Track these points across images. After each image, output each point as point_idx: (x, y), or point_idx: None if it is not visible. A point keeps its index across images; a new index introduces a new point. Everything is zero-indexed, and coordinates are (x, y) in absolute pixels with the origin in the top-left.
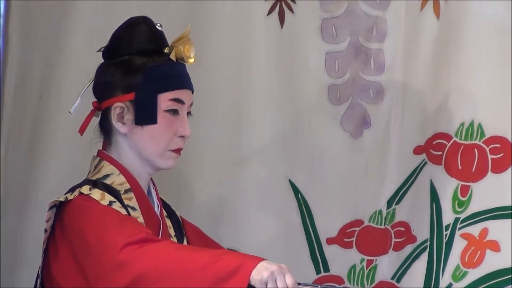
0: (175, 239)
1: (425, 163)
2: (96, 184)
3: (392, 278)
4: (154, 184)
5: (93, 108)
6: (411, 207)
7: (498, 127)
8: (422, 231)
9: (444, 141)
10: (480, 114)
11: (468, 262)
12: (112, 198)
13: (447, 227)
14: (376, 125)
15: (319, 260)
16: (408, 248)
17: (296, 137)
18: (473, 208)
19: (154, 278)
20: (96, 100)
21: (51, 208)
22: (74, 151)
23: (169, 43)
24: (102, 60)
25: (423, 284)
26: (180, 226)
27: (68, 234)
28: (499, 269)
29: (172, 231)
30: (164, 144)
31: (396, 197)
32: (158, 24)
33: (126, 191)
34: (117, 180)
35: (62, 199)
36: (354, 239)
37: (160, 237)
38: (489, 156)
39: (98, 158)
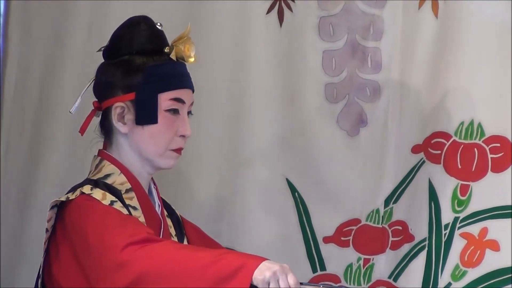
0: (175, 239)
1: (423, 162)
2: (97, 183)
3: (389, 277)
4: (155, 184)
5: (93, 108)
6: (408, 206)
7: (498, 126)
8: (420, 230)
9: (443, 140)
10: (480, 114)
11: (468, 261)
12: (114, 198)
13: (446, 226)
14: (373, 124)
15: (315, 259)
16: (406, 247)
17: (293, 135)
18: (472, 207)
19: (155, 278)
20: (96, 100)
21: (52, 207)
22: (74, 151)
23: (169, 42)
24: (102, 60)
25: (421, 283)
26: (181, 226)
27: (69, 233)
28: (498, 268)
29: (172, 231)
30: (164, 143)
31: (394, 196)
32: (158, 24)
33: (127, 191)
34: (118, 180)
35: (63, 198)
36: (351, 238)
37: (161, 236)
38: (489, 156)
39: (99, 158)
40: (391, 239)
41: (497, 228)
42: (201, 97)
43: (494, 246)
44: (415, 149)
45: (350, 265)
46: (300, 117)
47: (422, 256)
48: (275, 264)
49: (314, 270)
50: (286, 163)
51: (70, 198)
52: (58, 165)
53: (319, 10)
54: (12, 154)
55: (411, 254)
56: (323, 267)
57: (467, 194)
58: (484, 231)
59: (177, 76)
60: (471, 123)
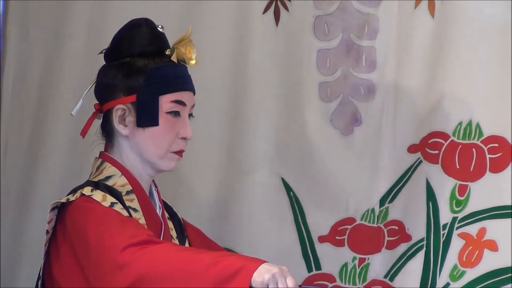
0: (176, 241)
1: (420, 161)
2: (98, 185)
3: (385, 276)
4: (156, 186)
5: (95, 111)
6: (405, 206)
7: (496, 126)
8: (417, 230)
9: (441, 140)
10: (478, 114)
11: (466, 261)
12: (114, 200)
13: (444, 226)
14: (367, 123)
15: (310, 258)
16: (402, 247)
17: (288, 135)
18: (471, 207)
19: (155, 279)
20: (97, 102)
21: (52, 209)
22: (73, 151)
23: (170, 44)
24: (102, 60)
25: (419, 283)
26: (182, 228)
27: (70, 235)
28: (497, 268)
29: (174, 233)
30: (165, 146)
31: (389, 196)
32: (160, 26)
33: (128, 193)
34: (119, 182)
35: (63, 200)
36: (346, 237)
37: (161, 238)
38: (487, 156)
39: (100, 160)
40: (387, 238)
41: (495, 228)
42: (199, 96)
43: (492, 246)
44: (412, 149)
45: (345, 265)
46: (294, 116)
47: (420, 256)
48: (274, 267)
49: (309, 269)
50: (281, 163)
51: (70, 200)
52: (57, 165)
53: (315, 9)
54: (11, 154)
55: (409, 254)
56: (318, 267)
57: (465, 194)
58: (482, 231)
59: (178, 78)
60: (469, 123)
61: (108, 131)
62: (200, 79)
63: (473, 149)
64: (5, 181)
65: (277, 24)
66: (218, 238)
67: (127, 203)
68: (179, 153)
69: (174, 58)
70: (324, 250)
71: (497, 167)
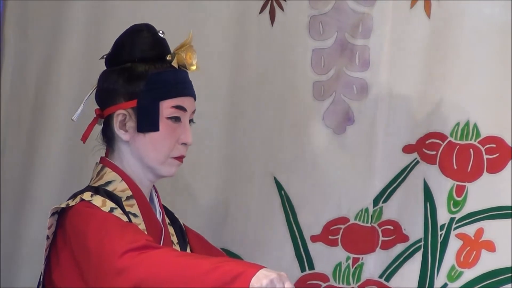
0: (177, 246)
1: (417, 162)
2: (98, 190)
3: (380, 277)
4: (156, 191)
5: (95, 116)
6: (400, 206)
7: (493, 127)
8: (415, 231)
9: (439, 141)
10: (475, 114)
11: (464, 262)
12: (113, 205)
13: (442, 227)
14: (359, 122)
15: (303, 258)
16: (399, 247)
17: (282, 134)
18: (468, 208)
19: (154, 284)
20: (98, 107)
21: (52, 214)
22: (72, 151)
23: (171, 49)
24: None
25: (417, 284)
26: (184, 234)
27: (70, 240)
28: (494, 269)
29: (174, 238)
30: (166, 151)
31: (384, 195)
32: (160, 31)
33: (128, 198)
34: (119, 187)
35: (63, 205)
36: (339, 236)
37: (161, 243)
38: (485, 156)
39: (101, 165)
40: (381, 238)
41: (493, 229)
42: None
43: (490, 246)
44: (407, 149)
45: (339, 264)
46: (289, 115)
47: (418, 256)
48: (273, 272)
49: (302, 269)
50: (274, 161)
51: (70, 205)
52: (55, 165)
53: (310, 9)
54: (9, 154)
55: (406, 254)
56: (311, 266)
57: (463, 195)
58: (480, 231)
59: (178, 84)
60: (467, 123)
61: (108, 136)
62: (196, 78)
63: (471, 150)
64: (3, 181)
65: (272, 24)
66: (211, 237)
67: (127, 208)
68: (180, 158)
69: (175, 64)
70: (317, 250)
71: (494, 168)
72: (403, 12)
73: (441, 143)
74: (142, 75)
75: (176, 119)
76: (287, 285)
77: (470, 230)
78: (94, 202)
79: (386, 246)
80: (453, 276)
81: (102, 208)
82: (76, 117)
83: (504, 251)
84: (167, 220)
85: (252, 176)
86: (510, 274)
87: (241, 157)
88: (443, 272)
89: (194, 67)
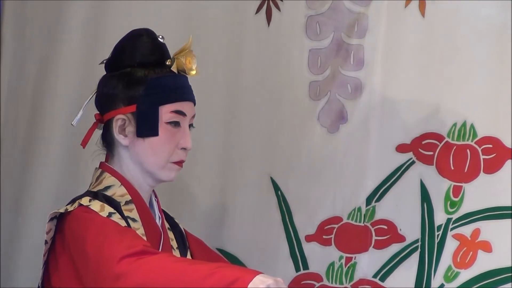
0: (177, 251)
1: (413, 162)
2: (96, 195)
3: (375, 276)
4: (156, 196)
5: (95, 121)
6: (395, 205)
7: (490, 127)
8: (412, 231)
9: (436, 141)
10: (472, 115)
11: (460, 262)
12: (112, 210)
13: (439, 227)
14: (353, 121)
15: (298, 258)
16: (394, 247)
17: (278, 134)
18: (465, 208)
19: None
20: (98, 112)
21: (51, 219)
22: (69, 152)
23: (171, 54)
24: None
25: (413, 284)
26: (184, 239)
27: (69, 245)
28: (491, 269)
29: (174, 243)
30: (165, 156)
31: (376, 195)
32: (160, 36)
33: (127, 203)
34: (118, 192)
35: (62, 210)
36: (333, 236)
37: (160, 248)
38: (481, 157)
39: (100, 170)
40: (374, 238)
41: (489, 229)
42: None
43: (487, 247)
44: (401, 148)
45: (332, 264)
46: (285, 115)
47: (415, 257)
48: (269, 278)
49: (297, 269)
50: (270, 161)
51: (68, 210)
52: (52, 166)
53: (307, 9)
54: (7, 155)
55: (402, 255)
56: (305, 266)
57: (460, 195)
58: (476, 232)
59: (178, 89)
60: (464, 124)
61: (108, 141)
62: (192, 79)
63: (468, 150)
64: (3, 182)
65: (269, 24)
66: (208, 237)
67: (126, 213)
68: (179, 163)
69: (174, 69)
70: (311, 250)
71: (491, 168)
72: (397, 12)
73: (438, 143)
74: (141, 80)
75: (176, 124)
76: None
77: (466, 230)
78: (92, 207)
79: (380, 245)
80: (449, 276)
81: (101, 213)
82: (75, 122)
83: (500, 252)
84: (167, 225)
85: (249, 176)
86: (509, 274)
87: (237, 157)
88: (440, 272)
89: (193, 72)
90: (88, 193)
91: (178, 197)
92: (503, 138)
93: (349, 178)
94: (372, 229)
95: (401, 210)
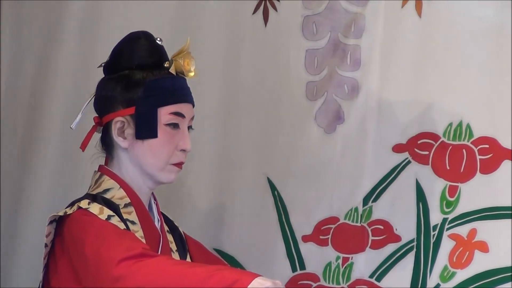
0: (176, 254)
1: (409, 162)
2: (95, 198)
3: (371, 276)
4: (155, 199)
5: (94, 124)
6: (391, 205)
7: (486, 127)
8: (407, 231)
9: (431, 141)
10: (468, 115)
11: (456, 262)
12: (111, 212)
13: (434, 227)
14: (349, 121)
15: (295, 258)
16: (390, 247)
17: (275, 134)
18: (461, 208)
19: None
20: (97, 115)
21: (50, 222)
22: (67, 151)
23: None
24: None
25: (409, 284)
26: (183, 242)
27: (68, 248)
28: (487, 269)
29: (173, 246)
30: (164, 158)
31: (373, 195)
32: (158, 39)
33: (126, 205)
34: (117, 195)
35: (61, 213)
36: (329, 236)
37: (159, 251)
38: (478, 157)
39: (99, 173)
40: (371, 238)
41: (486, 229)
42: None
43: (483, 247)
44: (397, 148)
45: (329, 264)
46: (282, 116)
47: (410, 257)
48: (268, 281)
49: (293, 269)
50: (267, 162)
51: (68, 213)
52: (52, 167)
53: (303, 9)
54: (4, 154)
55: (398, 254)
56: (302, 266)
57: (456, 195)
58: (473, 232)
59: (176, 90)
60: (460, 124)
61: (107, 144)
62: (189, 80)
63: (464, 150)
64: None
65: (265, 25)
66: (205, 238)
67: (125, 216)
68: (179, 165)
69: (172, 70)
70: (308, 250)
71: (487, 168)
72: (394, 12)
73: (434, 143)
74: (140, 82)
75: (175, 125)
76: None
77: (463, 230)
78: (91, 210)
79: (376, 245)
80: (445, 276)
81: (100, 216)
82: (74, 125)
83: (497, 252)
84: (166, 228)
85: (245, 176)
86: (509, 274)
87: (234, 157)
88: (436, 272)
89: (192, 74)
90: (87, 196)
91: (174, 197)
92: (500, 138)
93: (346, 178)
94: (369, 229)
95: (397, 210)
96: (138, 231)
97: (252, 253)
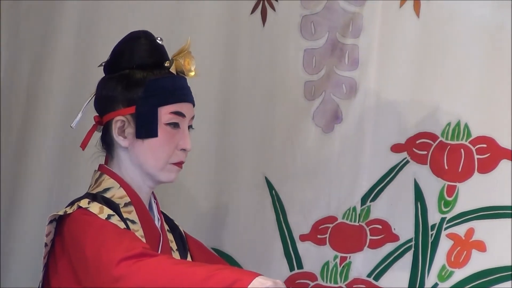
0: (177, 253)
1: (407, 161)
2: (95, 197)
3: (369, 276)
4: (155, 198)
5: (95, 123)
6: (389, 205)
7: (484, 127)
8: (405, 230)
9: (429, 141)
10: (466, 114)
11: (454, 262)
12: (111, 212)
13: (432, 227)
14: (347, 121)
15: (292, 257)
16: (388, 247)
17: (273, 134)
18: (459, 208)
19: None
20: (97, 114)
21: (50, 222)
22: (63, 151)
23: (169, 56)
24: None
25: (407, 283)
26: (184, 241)
27: (68, 248)
28: (485, 269)
29: (174, 245)
30: (164, 157)
31: (371, 194)
32: (159, 38)
33: (126, 205)
34: (117, 194)
35: (61, 213)
36: (327, 235)
37: (159, 250)
38: (476, 156)
39: (99, 172)
40: (369, 237)
41: (483, 229)
42: None
43: (481, 246)
44: (396, 148)
45: (327, 263)
46: (279, 115)
47: (408, 256)
48: (268, 280)
49: (291, 268)
50: (265, 161)
51: (68, 212)
52: (46, 164)
53: (301, 9)
54: (4, 155)
55: (396, 254)
56: (300, 265)
57: (454, 195)
58: (470, 231)
59: (177, 90)
60: (458, 124)
61: (107, 143)
62: (188, 79)
63: (462, 150)
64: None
65: (264, 24)
66: (203, 237)
67: (125, 215)
68: (179, 164)
69: (173, 70)
70: (305, 249)
71: (485, 168)
72: (392, 12)
73: (432, 143)
74: (140, 81)
75: (175, 125)
76: None
77: (460, 230)
78: (91, 210)
79: (374, 245)
80: (443, 276)
81: (99, 215)
82: (75, 124)
83: (495, 251)
84: (166, 227)
85: (243, 175)
86: (509, 273)
87: (232, 156)
88: (434, 272)
89: (192, 73)
90: (87, 195)
91: (172, 197)
92: (498, 138)
93: (344, 177)
94: (367, 229)
95: (395, 209)
96: (138, 230)
97: (250, 252)
